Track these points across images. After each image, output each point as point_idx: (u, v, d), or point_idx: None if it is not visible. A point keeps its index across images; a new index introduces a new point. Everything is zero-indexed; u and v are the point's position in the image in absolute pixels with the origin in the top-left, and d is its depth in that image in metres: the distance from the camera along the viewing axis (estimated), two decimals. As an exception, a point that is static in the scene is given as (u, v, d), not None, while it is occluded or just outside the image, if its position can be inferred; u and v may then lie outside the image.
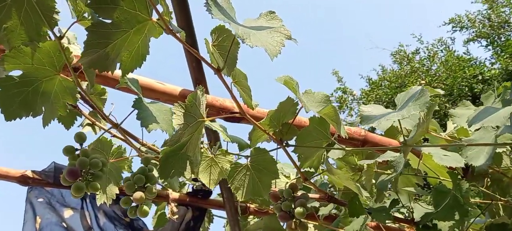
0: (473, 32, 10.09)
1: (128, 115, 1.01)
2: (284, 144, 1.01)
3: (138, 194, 0.90)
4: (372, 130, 1.63)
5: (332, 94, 10.66)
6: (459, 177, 1.18)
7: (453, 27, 10.32)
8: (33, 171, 1.62)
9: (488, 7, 9.89)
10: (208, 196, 1.80)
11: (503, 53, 8.85)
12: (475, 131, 1.29)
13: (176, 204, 1.76)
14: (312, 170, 1.13)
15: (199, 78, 1.18)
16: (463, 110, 1.49)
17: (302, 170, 1.11)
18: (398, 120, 1.73)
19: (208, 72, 1.22)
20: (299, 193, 1.05)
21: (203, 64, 1.12)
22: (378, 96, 9.98)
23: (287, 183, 1.07)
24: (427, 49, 10.48)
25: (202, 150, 1.08)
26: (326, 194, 1.17)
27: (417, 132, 1.02)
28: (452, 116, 1.41)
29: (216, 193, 1.89)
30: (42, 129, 0.90)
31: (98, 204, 1.52)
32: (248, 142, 1.11)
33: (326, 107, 0.96)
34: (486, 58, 10.07)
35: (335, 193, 1.47)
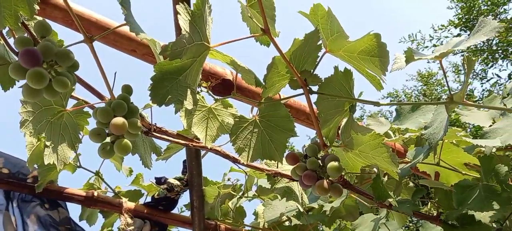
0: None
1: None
2: (307, 89, 0.79)
3: (120, 119, 0.62)
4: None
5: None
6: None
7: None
8: None
9: (423, 84, 10.67)
10: (171, 207, 1.48)
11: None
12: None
13: (130, 215, 1.42)
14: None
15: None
16: (468, 112, 1.39)
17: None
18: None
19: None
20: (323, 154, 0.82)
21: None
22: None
23: (304, 145, 0.84)
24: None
25: (197, 96, 0.83)
26: (341, 176, 0.94)
27: (463, 88, 0.86)
28: (462, 115, 1.28)
29: (181, 203, 1.58)
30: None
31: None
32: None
33: (364, 38, 0.76)
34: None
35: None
